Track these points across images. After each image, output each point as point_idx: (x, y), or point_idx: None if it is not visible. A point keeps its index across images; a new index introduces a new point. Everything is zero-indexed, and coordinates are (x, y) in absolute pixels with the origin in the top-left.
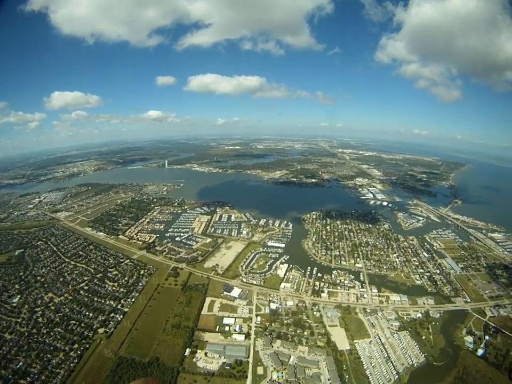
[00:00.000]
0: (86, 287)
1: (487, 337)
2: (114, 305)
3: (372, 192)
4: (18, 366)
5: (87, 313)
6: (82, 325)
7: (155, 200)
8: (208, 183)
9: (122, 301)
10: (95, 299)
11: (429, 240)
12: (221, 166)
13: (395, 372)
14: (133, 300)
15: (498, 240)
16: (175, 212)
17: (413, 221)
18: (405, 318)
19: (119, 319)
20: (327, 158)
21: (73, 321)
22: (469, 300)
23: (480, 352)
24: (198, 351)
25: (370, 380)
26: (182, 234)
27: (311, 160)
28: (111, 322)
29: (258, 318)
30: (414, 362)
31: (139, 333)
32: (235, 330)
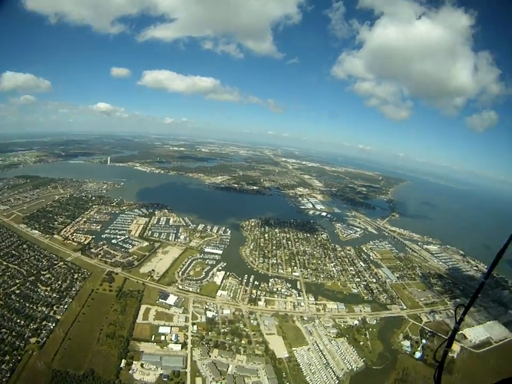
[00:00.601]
0: (17, 291)
1: (424, 341)
2: (46, 312)
3: (311, 202)
4: None
5: (18, 320)
6: (14, 333)
7: (93, 198)
8: (148, 183)
9: (55, 308)
10: (27, 305)
11: (365, 251)
12: (163, 166)
13: (335, 377)
14: (66, 306)
15: (433, 252)
16: (113, 212)
17: (351, 231)
18: (342, 325)
19: (52, 327)
20: (270, 166)
21: (4, 330)
22: (404, 307)
23: (418, 355)
24: (134, 362)
25: None
26: (118, 236)
27: (254, 167)
28: (43, 331)
29: (195, 326)
30: (353, 367)
31: (72, 343)
32: (171, 340)
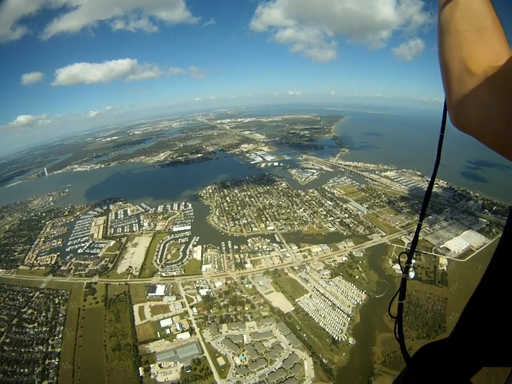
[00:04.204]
0: (7, 340)
1: (413, 261)
2: (44, 350)
3: (260, 156)
4: None
5: (21, 370)
6: None
7: (44, 214)
8: (93, 181)
9: (50, 341)
10: (22, 350)
11: (328, 189)
12: (102, 160)
13: (345, 315)
14: (60, 336)
15: (392, 177)
16: (68, 221)
17: (308, 174)
18: (333, 265)
19: (56, 363)
20: (207, 131)
21: None
22: (384, 234)
23: (411, 275)
24: (151, 365)
25: (326, 330)
26: (82, 244)
27: (192, 136)
28: (50, 371)
29: (194, 309)
30: (358, 301)
31: (84, 371)
32: (177, 330)
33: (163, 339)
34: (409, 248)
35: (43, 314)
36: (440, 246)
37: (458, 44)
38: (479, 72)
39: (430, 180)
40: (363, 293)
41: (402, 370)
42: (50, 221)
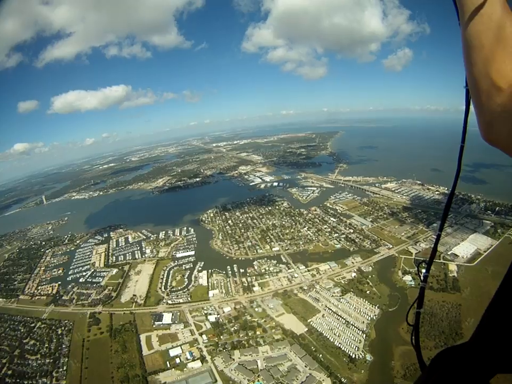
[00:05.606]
0: (9, 372)
1: (422, 271)
2: (48, 382)
3: (258, 177)
4: None
5: None
6: None
7: (43, 243)
8: (92, 209)
9: (54, 374)
10: (25, 382)
11: (330, 206)
12: (100, 187)
13: (360, 332)
14: (65, 368)
15: (393, 189)
16: (68, 250)
17: (308, 192)
18: (343, 282)
19: None
20: (204, 155)
21: None
22: (390, 246)
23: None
24: None
25: (342, 348)
26: (84, 273)
27: (189, 160)
28: None
29: (203, 336)
30: (372, 316)
31: None
32: (187, 359)
33: (173, 369)
34: (428, 258)
35: (46, 345)
36: (448, 253)
37: (484, 58)
38: (506, 87)
39: (450, 190)
40: (376, 307)
41: (419, 377)
42: (50, 250)
